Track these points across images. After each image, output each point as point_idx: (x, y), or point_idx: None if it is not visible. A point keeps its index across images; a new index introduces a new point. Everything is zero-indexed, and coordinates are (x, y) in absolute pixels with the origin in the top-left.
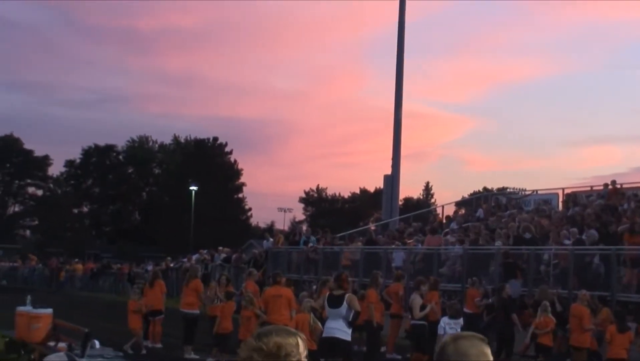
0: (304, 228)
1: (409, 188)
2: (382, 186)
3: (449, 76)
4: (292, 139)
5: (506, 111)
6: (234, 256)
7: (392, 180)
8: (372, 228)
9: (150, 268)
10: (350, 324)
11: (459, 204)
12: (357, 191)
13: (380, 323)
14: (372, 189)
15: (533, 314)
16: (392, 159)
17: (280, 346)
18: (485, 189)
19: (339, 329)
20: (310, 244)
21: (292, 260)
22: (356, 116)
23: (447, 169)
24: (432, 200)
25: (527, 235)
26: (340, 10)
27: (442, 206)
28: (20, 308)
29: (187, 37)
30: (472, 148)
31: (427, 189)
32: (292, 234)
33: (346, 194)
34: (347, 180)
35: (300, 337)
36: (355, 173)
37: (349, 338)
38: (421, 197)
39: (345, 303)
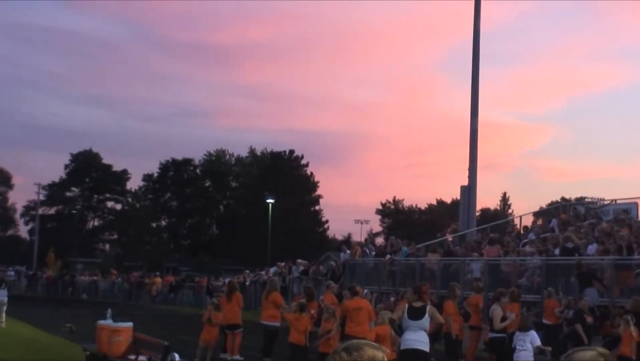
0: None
1: (486, 199)
2: (458, 197)
3: (525, 85)
4: (368, 150)
5: (583, 120)
6: (311, 268)
7: (468, 191)
8: (450, 239)
9: (228, 281)
10: (430, 336)
11: (536, 214)
12: (434, 202)
13: (459, 335)
14: (448, 200)
15: (615, 325)
16: (469, 169)
17: (373, 359)
18: (563, 199)
19: (420, 341)
20: (402, 256)
21: (370, 272)
22: (432, 126)
23: (524, 179)
24: (510, 211)
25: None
26: (415, 21)
27: (520, 217)
28: (101, 322)
29: (263, 50)
30: (549, 157)
31: (504, 199)
32: (386, 246)
33: (423, 205)
34: (424, 191)
35: (384, 351)
36: (431, 184)
37: (426, 349)
38: (498, 207)
39: (427, 315)
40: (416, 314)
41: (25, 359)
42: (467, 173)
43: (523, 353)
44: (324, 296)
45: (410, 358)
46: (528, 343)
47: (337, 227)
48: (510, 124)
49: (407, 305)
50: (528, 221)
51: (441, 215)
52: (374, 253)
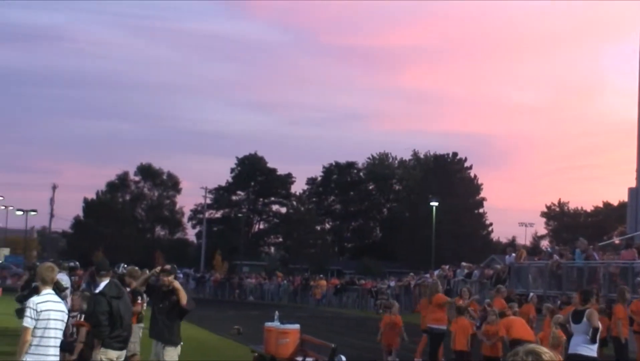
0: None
1: None
2: (626, 199)
3: None
4: (532, 152)
5: None
6: (476, 271)
7: (636, 193)
8: (617, 242)
9: (392, 283)
10: (593, 340)
11: None
12: (600, 205)
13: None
14: (615, 203)
15: None
16: (637, 171)
17: None
18: None
19: (582, 345)
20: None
21: (535, 275)
22: (598, 128)
23: None
24: None
25: None
26: (580, 25)
27: None
28: (269, 324)
29: (424, 53)
30: None
31: None
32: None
33: (589, 208)
34: (590, 193)
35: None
36: (597, 186)
37: (593, 354)
38: None
39: (585, 318)
40: (578, 318)
41: (194, 360)
42: (634, 175)
43: None
44: (492, 300)
45: None
46: None
47: (501, 230)
48: None
49: (573, 309)
50: None
51: (608, 218)
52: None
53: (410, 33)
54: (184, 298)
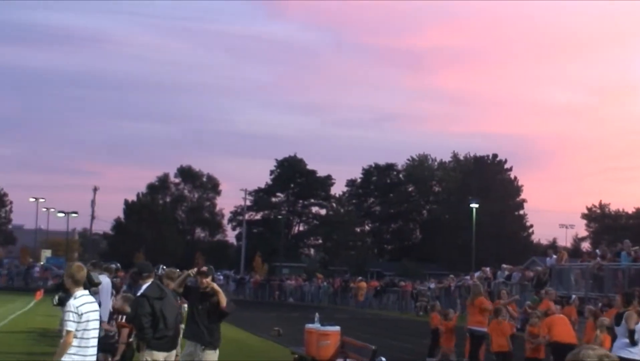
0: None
1: None
2: None
3: None
4: (573, 154)
5: None
6: (516, 273)
7: None
8: None
9: (432, 285)
10: (632, 342)
11: None
12: None
13: None
14: None
15: None
16: None
17: None
18: None
19: (623, 348)
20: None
21: (577, 277)
22: (638, 128)
23: None
24: None
25: None
26: (622, 24)
27: None
28: (309, 326)
29: (462, 54)
30: None
31: None
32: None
33: (630, 209)
34: (631, 195)
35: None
36: (639, 188)
37: (634, 357)
38: None
39: (623, 320)
40: (619, 320)
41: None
42: None
43: None
44: (540, 302)
45: None
46: None
47: (541, 231)
48: None
49: (616, 312)
50: None
51: None
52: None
53: (451, 34)
54: (224, 300)
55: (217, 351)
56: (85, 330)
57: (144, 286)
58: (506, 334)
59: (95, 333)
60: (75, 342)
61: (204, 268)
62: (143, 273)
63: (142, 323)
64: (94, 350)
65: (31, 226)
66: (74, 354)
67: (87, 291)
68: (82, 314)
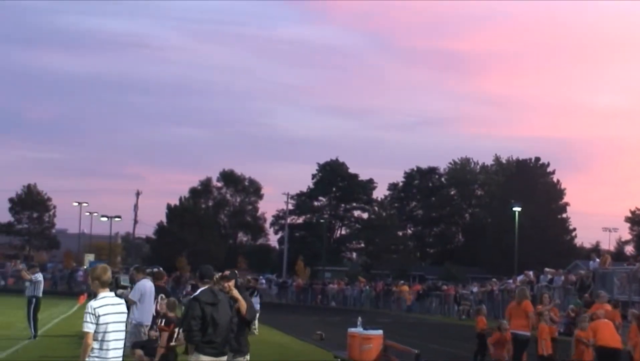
0: None
1: None
2: None
3: None
4: (616, 156)
5: None
6: (558, 277)
7: None
8: None
9: (475, 289)
10: None
11: None
12: None
13: None
14: None
15: None
16: None
17: None
18: None
19: None
20: None
21: (621, 281)
22: None
23: None
24: None
25: None
26: None
27: None
28: (352, 329)
29: (505, 58)
30: None
31: None
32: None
33: None
34: None
35: None
36: None
37: None
38: None
39: None
40: None
41: None
42: None
43: None
44: (589, 306)
45: None
46: None
47: (584, 235)
48: None
49: None
50: None
51: None
52: None
53: (493, 36)
54: (243, 307)
55: (247, 357)
56: (105, 332)
57: (199, 290)
58: (549, 338)
59: (117, 336)
60: (95, 345)
61: (227, 272)
62: (204, 279)
63: (190, 325)
64: (116, 353)
65: (74, 231)
66: (95, 357)
67: (111, 294)
68: (100, 316)
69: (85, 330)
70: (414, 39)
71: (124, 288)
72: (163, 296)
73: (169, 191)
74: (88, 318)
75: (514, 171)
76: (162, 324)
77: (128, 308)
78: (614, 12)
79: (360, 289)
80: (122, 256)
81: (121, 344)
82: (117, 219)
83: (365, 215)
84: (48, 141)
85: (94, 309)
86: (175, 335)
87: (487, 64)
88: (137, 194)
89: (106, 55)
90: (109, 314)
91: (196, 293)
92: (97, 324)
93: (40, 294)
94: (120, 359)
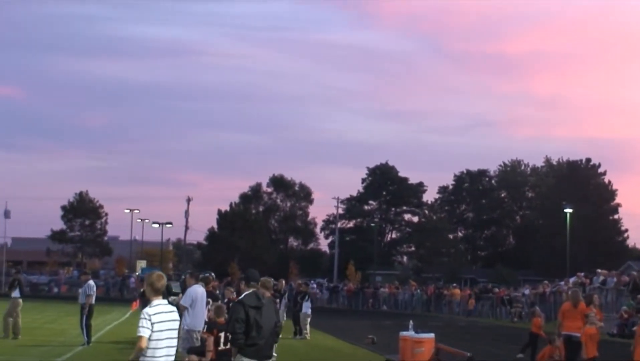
0: None
1: None
2: None
3: None
4: None
5: None
6: (610, 278)
7: None
8: None
9: (527, 291)
10: None
11: None
12: None
13: None
14: None
15: None
16: None
17: None
18: None
19: None
20: None
21: None
22: None
23: None
24: None
25: None
26: None
27: None
28: (404, 333)
29: (554, 58)
30: None
31: None
32: None
33: None
34: None
35: None
36: None
37: None
38: None
39: None
40: None
41: None
42: None
43: None
44: None
45: None
46: None
47: (637, 236)
48: None
49: None
50: None
51: None
52: None
53: (542, 38)
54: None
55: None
56: (158, 340)
57: (244, 294)
58: (596, 340)
59: (169, 343)
60: (148, 352)
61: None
62: (251, 282)
63: (234, 328)
64: (166, 360)
65: (126, 238)
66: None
67: (164, 301)
68: (154, 323)
69: (141, 333)
70: (465, 43)
71: (175, 294)
72: (210, 301)
73: (219, 197)
74: (144, 323)
75: (565, 172)
76: (205, 330)
77: (180, 315)
78: None
79: (411, 292)
80: (174, 262)
81: (173, 351)
82: (168, 225)
83: (415, 219)
84: (100, 149)
85: (150, 316)
86: (222, 339)
87: (538, 66)
88: (188, 200)
89: (159, 63)
90: (162, 322)
91: (241, 297)
92: (151, 330)
93: (93, 301)
94: None
